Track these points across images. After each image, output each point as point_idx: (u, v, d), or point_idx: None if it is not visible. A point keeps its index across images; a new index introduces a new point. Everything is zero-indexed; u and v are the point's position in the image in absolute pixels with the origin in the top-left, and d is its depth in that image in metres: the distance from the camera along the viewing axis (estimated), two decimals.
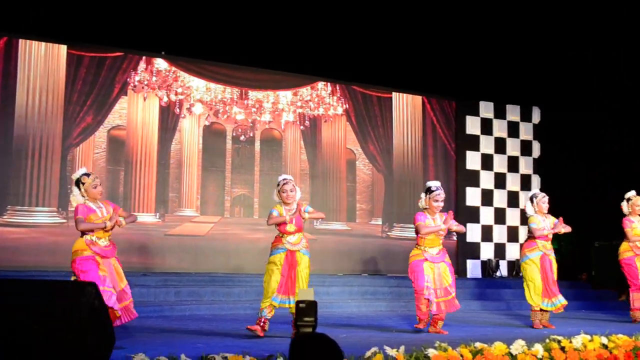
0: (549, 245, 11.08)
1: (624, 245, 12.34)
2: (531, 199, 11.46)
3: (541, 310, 10.92)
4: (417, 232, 10.22)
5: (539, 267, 10.92)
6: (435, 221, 10.17)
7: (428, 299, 9.82)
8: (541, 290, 10.85)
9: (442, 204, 10.23)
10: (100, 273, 8.23)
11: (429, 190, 10.21)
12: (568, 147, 19.64)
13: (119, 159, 15.49)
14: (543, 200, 11.26)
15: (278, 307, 9.06)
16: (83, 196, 8.55)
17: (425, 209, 10.25)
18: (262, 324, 8.96)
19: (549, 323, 10.83)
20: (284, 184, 9.42)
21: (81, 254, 8.35)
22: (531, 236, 11.26)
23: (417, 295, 9.94)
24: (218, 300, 13.07)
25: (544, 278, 10.92)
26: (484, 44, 17.64)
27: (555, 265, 11.14)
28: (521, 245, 11.52)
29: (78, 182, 8.60)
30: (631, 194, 12.49)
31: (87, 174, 8.60)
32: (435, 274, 10.03)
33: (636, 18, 16.92)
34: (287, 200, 9.37)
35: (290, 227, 9.27)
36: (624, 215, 12.44)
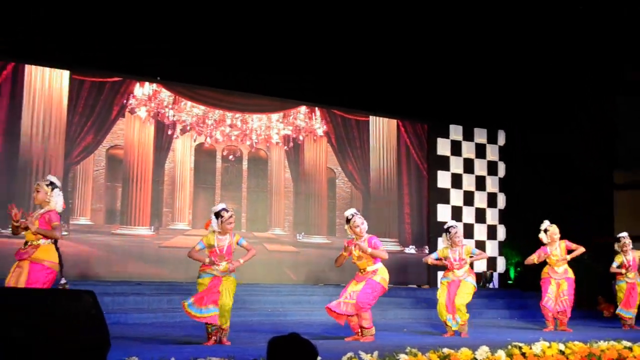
0: (458, 272, 11.09)
1: (545, 268, 12.62)
2: (446, 232, 11.55)
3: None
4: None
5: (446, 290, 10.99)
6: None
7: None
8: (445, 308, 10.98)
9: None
10: None
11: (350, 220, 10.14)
12: (531, 167, 19.77)
13: (117, 176, 15.47)
14: (456, 235, 11.33)
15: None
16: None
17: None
18: None
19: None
20: (230, 215, 9.26)
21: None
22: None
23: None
24: None
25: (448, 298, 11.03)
26: (453, 71, 17.74)
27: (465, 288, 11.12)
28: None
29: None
30: (546, 224, 12.69)
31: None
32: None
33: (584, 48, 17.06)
34: (227, 231, 9.26)
35: (220, 260, 9.15)
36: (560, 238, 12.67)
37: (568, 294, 12.52)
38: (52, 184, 8.93)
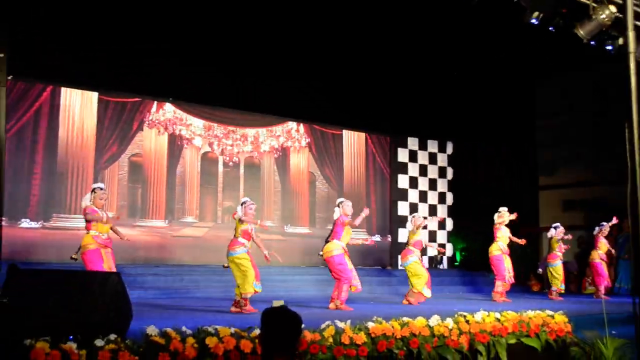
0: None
1: (495, 246, 12.65)
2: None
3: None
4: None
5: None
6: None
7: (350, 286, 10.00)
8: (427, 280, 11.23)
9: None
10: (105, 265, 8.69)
11: (341, 204, 10.46)
12: (473, 171, 19.90)
13: (137, 179, 15.39)
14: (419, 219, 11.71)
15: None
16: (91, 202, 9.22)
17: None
18: None
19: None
20: (252, 204, 9.53)
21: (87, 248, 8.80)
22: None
23: (347, 282, 10.04)
24: (211, 285, 13.05)
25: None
26: (411, 94, 17.87)
27: None
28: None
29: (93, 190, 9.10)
30: (502, 209, 12.84)
31: (101, 188, 9.12)
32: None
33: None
34: (250, 217, 9.48)
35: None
36: (494, 224, 12.81)
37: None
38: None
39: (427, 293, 11.32)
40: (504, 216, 12.77)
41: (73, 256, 9.28)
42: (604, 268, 14.12)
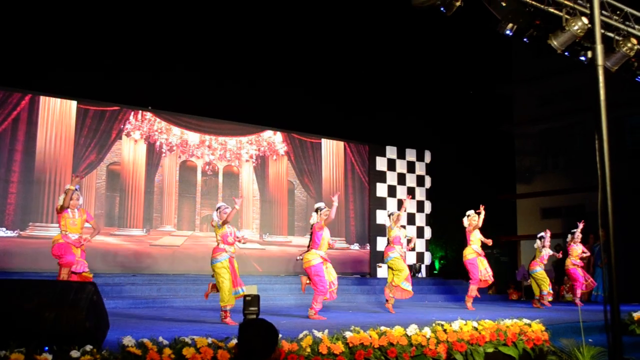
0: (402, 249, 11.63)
1: (468, 249, 12.67)
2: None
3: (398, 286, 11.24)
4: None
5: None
6: (326, 231, 10.52)
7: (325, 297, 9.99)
8: (407, 275, 11.26)
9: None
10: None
11: (319, 210, 10.43)
12: (450, 179, 19.99)
13: (115, 187, 15.31)
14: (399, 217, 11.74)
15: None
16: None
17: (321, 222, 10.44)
18: None
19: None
20: (226, 207, 9.54)
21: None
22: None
23: (322, 293, 10.00)
24: (190, 295, 12.94)
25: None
26: (390, 104, 17.93)
27: None
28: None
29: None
30: (470, 212, 12.88)
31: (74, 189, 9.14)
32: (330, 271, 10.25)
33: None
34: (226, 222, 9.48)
35: (230, 239, 9.54)
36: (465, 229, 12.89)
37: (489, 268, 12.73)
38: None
39: (406, 286, 11.30)
40: (473, 219, 12.82)
41: None
42: (579, 273, 14.23)
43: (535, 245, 14.14)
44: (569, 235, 14.60)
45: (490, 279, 12.70)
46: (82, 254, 9.37)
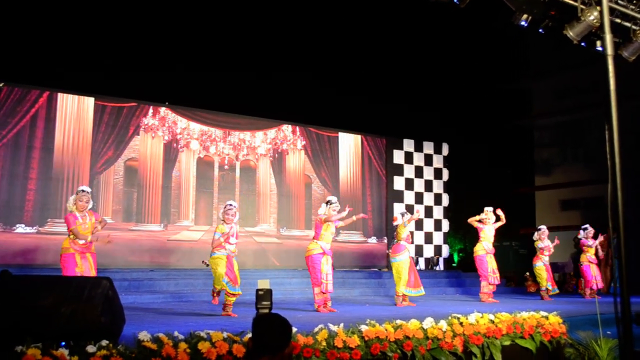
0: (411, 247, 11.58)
1: (479, 246, 12.60)
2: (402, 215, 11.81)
3: (403, 295, 11.13)
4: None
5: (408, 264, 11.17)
6: (331, 225, 10.31)
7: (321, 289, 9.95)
8: (406, 281, 11.10)
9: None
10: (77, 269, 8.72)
11: (329, 202, 10.36)
12: (468, 172, 19.91)
13: (133, 183, 15.39)
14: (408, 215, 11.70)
15: None
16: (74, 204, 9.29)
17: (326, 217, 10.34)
18: None
19: (410, 302, 11.27)
20: (229, 208, 9.57)
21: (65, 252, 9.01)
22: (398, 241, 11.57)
23: (316, 284, 10.00)
24: (207, 289, 12.93)
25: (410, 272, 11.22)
26: (407, 97, 17.88)
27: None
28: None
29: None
30: (488, 209, 12.78)
31: (83, 190, 9.15)
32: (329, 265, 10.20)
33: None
34: (228, 222, 9.46)
35: (232, 240, 9.45)
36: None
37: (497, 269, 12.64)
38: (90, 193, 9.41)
39: (409, 292, 11.26)
40: (487, 215, 12.74)
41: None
42: (590, 271, 14.13)
43: (534, 238, 14.00)
44: (582, 232, 14.47)
45: (496, 281, 12.60)
46: (93, 256, 9.34)
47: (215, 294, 9.49)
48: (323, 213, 10.34)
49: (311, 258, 10.18)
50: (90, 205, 9.49)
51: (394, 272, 11.46)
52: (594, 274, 14.17)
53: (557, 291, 13.62)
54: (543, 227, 14.03)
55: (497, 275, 12.60)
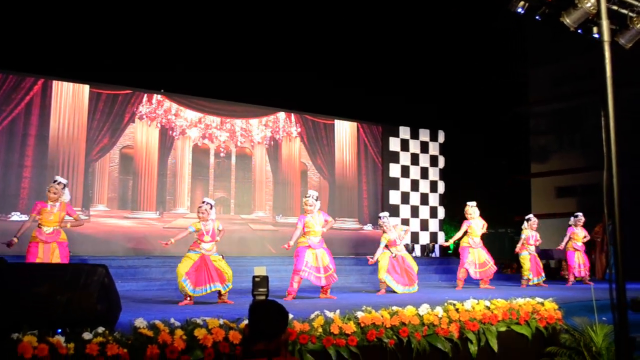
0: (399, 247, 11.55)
1: (465, 239, 12.62)
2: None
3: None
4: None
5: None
6: (314, 219, 10.23)
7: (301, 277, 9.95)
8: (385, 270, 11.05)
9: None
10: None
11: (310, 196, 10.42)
12: (464, 159, 19.92)
13: (128, 171, 15.37)
14: (384, 224, 11.63)
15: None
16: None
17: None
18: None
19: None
20: (202, 206, 9.58)
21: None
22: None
23: (296, 273, 10.01)
24: None
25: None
26: (403, 84, 17.84)
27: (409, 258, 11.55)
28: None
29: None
30: (471, 203, 12.79)
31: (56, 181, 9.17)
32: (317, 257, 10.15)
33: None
34: (203, 219, 9.52)
35: (206, 239, 9.36)
36: (465, 218, 12.78)
37: (490, 259, 12.59)
38: (65, 185, 9.30)
39: (389, 280, 11.21)
40: (470, 210, 12.72)
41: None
42: (575, 258, 14.14)
43: (522, 227, 13.93)
44: (572, 219, 14.47)
45: (476, 275, 12.56)
46: (62, 245, 9.29)
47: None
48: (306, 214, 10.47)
49: (297, 249, 10.28)
50: (65, 198, 9.44)
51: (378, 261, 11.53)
52: (578, 261, 14.16)
53: (538, 282, 13.47)
54: (533, 218, 13.96)
55: (485, 270, 12.49)
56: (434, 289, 12.42)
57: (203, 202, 9.71)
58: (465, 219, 12.78)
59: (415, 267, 11.56)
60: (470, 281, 12.99)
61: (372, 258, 11.58)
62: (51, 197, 9.29)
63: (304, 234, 10.27)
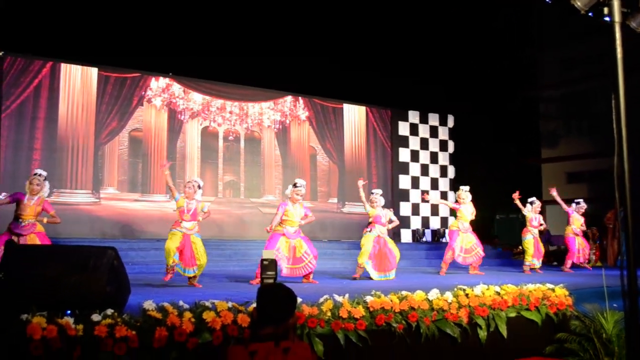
0: (383, 229, 11.14)
1: (454, 223, 12.58)
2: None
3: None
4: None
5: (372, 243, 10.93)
6: (296, 210, 10.13)
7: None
8: (367, 256, 10.80)
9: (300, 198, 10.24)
10: None
11: (294, 185, 10.20)
12: (474, 144, 19.85)
13: (137, 154, 15.39)
14: (377, 197, 11.42)
15: None
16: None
17: (289, 198, 10.20)
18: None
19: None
20: (190, 181, 9.55)
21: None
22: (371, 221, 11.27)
23: None
24: (213, 260, 12.96)
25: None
26: (412, 68, 17.74)
27: (391, 243, 11.20)
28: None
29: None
30: (464, 187, 12.74)
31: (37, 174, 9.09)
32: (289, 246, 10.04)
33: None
34: (190, 197, 9.45)
35: (186, 217, 9.30)
36: (456, 201, 12.73)
37: (478, 245, 12.51)
38: (46, 177, 9.19)
39: (368, 266, 10.93)
40: (462, 195, 12.67)
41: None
42: (574, 244, 14.04)
43: (525, 212, 13.78)
44: (574, 205, 14.37)
45: (463, 261, 12.49)
46: (40, 235, 9.22)
47: (168, 270, 9.19)
48: (287, 195, 10.34)
49: (270, 235, 10.14)
50: (45, 192, 9.34)
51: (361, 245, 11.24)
52: (578, 247, 14.07)
53: (537, 266, 13.38)
54: (536, 201, 13.82)
55: (471, 255, 12.42)
56: (422, 274, 12.35)
57: (192, 180, 9.62)
58: (457, 202, 12.79)
59: (397, 253, 11.12)
60: (459, 267, 12.97)
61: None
62: (34, 189, 9.14)
63: (282, 222, 10.13)
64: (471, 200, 12.71)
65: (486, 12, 16.93)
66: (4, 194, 9.33)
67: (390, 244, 11.14)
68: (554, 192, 13.80)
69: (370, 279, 10.67)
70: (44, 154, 14.08)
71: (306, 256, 10.06)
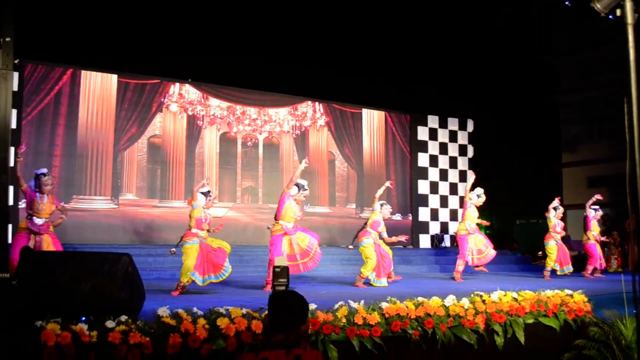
0: (376, 235, 11.05)
1: (461, 225, 12.45)
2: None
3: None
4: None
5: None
6: (296, 207, 10.32)
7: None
8: (372, 268, 10.68)
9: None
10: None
11: (304, 188, 10.26)
12: (494, 149, 19.75)
13: (156, 160, 15.45)
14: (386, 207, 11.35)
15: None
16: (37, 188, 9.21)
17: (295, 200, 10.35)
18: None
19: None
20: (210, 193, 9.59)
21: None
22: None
23: (271, 264, 9.77)
24: (231, 265, 13.02)
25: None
26: (432, 73, 17.69)
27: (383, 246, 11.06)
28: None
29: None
30: (480, 190, 12.66)
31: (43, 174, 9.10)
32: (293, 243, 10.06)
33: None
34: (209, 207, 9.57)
35: (204, 226, 9.36)
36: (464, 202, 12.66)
37: (489, 244, 12.42)
38: (45, 174, 9.27)
39: (378, 282, 10.73)
40: (473, 197, 12.58)
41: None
42: (596, 250, 13.92)
43: (549, 217, 13.63)
44: (592, 211, 14.25)
45: (475, 262, 12.37)
46: (53, 237, 9.26)
47: (179, 287, 9.02)
48: (294, 196, 10.35)
49: (272, 238, 10.12)
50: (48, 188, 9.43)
51: (362, 256, 11.06)
52: (599, 252, 13.99)
53: (567, 271, 13.25)
54: (560, 207, 13.69)
55: (483, 255, 12.31)
56: (464, 279, 12.26)
57: (209, 191, 9.64)
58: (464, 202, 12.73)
59: (389, 252, 11.14)
60: (474, 272, 12.90)
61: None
62: (46, 189, 9.21)
63: (281, 217, 10.17)
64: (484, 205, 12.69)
65: (507, 18, 16.83)
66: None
67: (383, 246, 11.10)
68: (599, 196, 13.84)
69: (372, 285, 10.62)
70: (63, 160, 14.19)
71: (311, 248, 10.10)
